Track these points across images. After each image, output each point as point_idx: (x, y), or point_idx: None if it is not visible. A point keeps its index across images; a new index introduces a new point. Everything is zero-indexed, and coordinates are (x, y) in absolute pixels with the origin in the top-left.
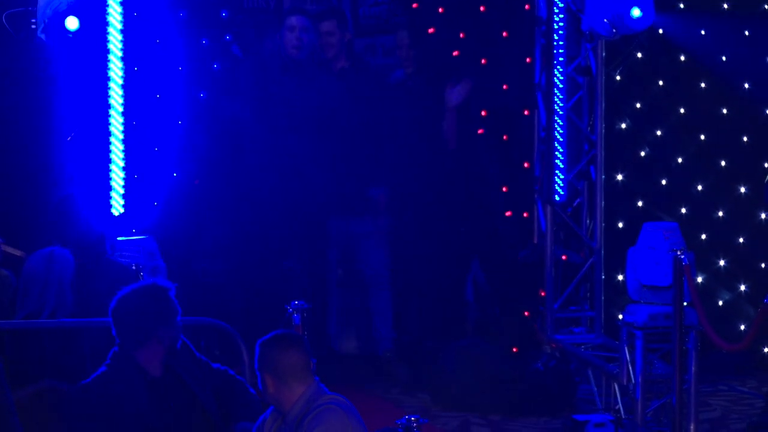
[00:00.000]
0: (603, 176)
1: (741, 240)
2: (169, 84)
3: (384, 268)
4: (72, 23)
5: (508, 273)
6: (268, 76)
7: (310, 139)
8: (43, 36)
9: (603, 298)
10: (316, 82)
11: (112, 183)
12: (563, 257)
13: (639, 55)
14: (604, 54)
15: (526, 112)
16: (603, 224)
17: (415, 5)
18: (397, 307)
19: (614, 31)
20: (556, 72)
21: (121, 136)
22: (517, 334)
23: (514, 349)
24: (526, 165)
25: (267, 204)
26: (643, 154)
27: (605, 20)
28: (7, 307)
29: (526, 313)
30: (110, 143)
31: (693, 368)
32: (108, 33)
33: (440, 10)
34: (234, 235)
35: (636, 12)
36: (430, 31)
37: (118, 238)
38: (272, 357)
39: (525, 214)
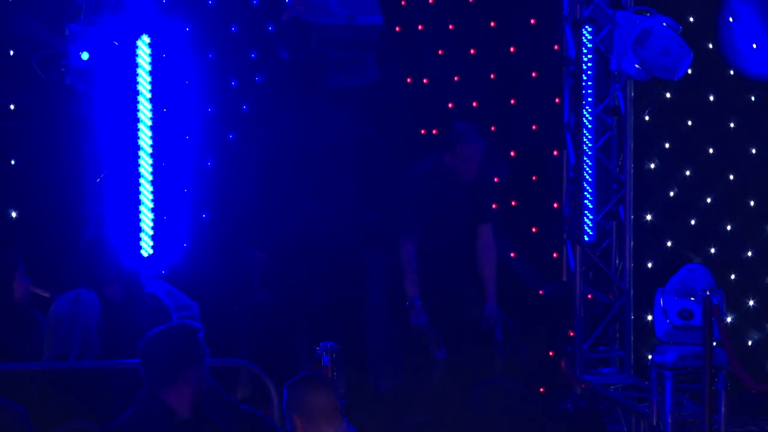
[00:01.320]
0: (632, 216)
1: None
2: (198, 125)
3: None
4: (84, 55)
5: (536, 313)
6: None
7: (347, 173)
8: (70, 81)
9: (632, 338)
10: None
11: (142, 224)
12: (589, 296)
13: (668, 95)
14: (632, 94)
15: (554, 153)
16: (632, 264)
17: (440, 52)
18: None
19: (645, 73)
20: (584, 112)
21: (151, 178)
22: (546, 374)
23: (542, 390)
24: (555, 205)
25: (300, 246)
26: (672, 194)
27: (636, 66)
28: (36, 349)
29: (551, 353)
30: (140, 185)
31: (722, 408)
32: (137, 74)
33: (472, 51)
34: (265, 276)
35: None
36: (456, 78)
37: None
38: (301, 398)
39: (555, 255)
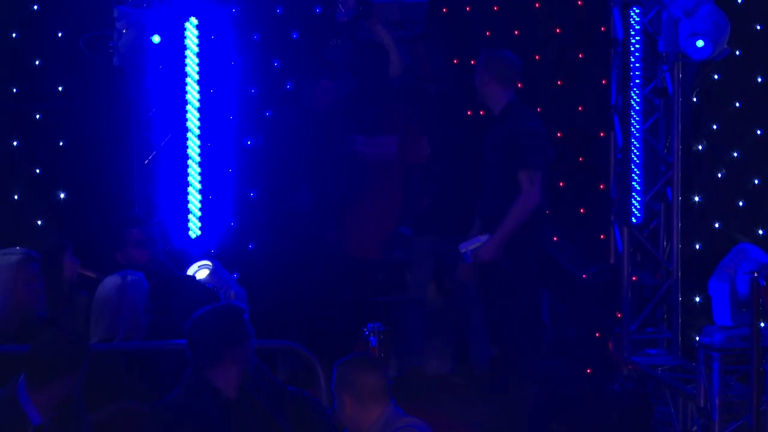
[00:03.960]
0: (680, 198)
1: None
2: (241, 105)
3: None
4: (156, 38)
5: (583, 294)
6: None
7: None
8: (119, 63)
9: (680, 319)
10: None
11: (190, 206)
12: (633, 278)
13: (716, 76)
14: (680, 76)
15: (601, 134)
16: (680, 246)
17: (488, 33)
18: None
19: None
20: (632, 94)
21: (199, 159)
22: (593, 355)
23: (589, 371)
24: (601, 187)
25: (346, 221)
26: (720, 175)
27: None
28: (83, 330)
29: (598, 335)
30: (188, 166)
31: None
32: (185, 56)
33: (516, 32)
34: (311, 254)
35: (700, 43)
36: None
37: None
38: (351, 378)
39: (602, 236)
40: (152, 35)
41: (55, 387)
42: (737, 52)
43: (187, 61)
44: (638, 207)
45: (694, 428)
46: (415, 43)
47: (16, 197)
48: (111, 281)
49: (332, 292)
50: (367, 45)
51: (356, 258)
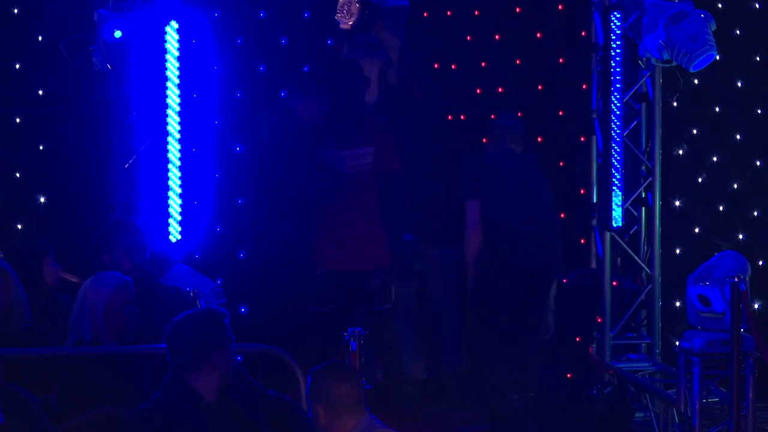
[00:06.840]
0: (660, 202)
1: None
2: (227, 110)
3: (454, 294)
4: (117, 33)
5: (563, 299)
6: None
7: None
8: (99, 67)
9: (660, 324)
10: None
11: (170, 210)
12: (614, 283)
13: (696, 81)
14: (661, 80)
15: (582, 139)
16: (660, 251)
17: (469, 37)
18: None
19: (666, 53)
20: (613, 98)
21: (179, 163)
22: (574, 360)
23: (569, 376)
24: (582, 191)
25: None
26: (700, 180)
27: (661, 42)
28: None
29: (578, 340)
30: (168, 170)
31: (750, 394)
32: (166, 60)
33: (497, 37)
34: (295, 259)
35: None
36: (483, 64)
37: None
38: (324, 388)
39: (582, 241)
40: (115, 31)
41: None
42: (717, 57)
43: (168, 65)
44: (619, 212)
45: None
46: (403, 53)
47: None
48: (84, 284)
49: (315, 302)
50: (343, 62)
51: (342, 270)
